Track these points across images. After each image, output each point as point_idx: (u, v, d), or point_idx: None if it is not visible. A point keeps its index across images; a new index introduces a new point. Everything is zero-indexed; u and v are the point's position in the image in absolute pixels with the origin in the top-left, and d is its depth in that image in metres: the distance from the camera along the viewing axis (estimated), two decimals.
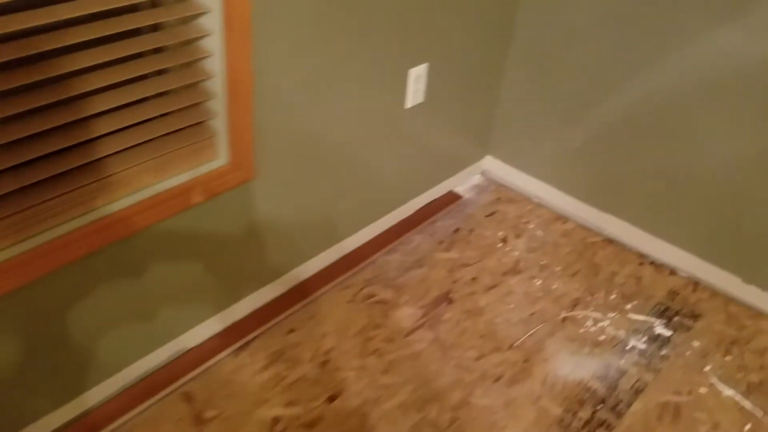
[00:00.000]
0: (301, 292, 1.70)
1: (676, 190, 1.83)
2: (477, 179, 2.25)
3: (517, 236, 2.00)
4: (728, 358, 1.65)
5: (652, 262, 1.94)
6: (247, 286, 1.58)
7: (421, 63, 1.68)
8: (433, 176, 2.04)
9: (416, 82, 1.70)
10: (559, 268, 1.89)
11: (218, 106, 1.28)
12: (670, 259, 1.92)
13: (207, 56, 1.22)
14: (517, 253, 1.93)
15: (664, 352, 1.65)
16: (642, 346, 1.66)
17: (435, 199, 2.10)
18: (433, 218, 2.03)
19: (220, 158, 1.33)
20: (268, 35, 1.26)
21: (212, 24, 1.19)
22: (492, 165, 2.24)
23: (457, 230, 2.00)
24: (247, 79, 1.26)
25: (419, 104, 1.76)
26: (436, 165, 2.02)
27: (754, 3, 1.52)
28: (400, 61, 1.62)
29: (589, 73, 1.86)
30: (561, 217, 2.09)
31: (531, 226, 2.05)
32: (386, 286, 1.77)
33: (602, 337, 1.68)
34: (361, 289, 1.75)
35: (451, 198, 2.13)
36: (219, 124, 1.30)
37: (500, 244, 1.96)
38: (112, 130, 1.13)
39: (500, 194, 2.18)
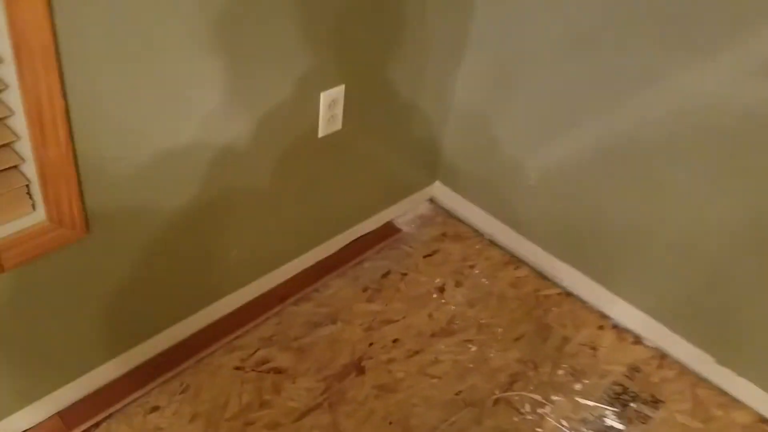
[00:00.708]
0: (176, 356, 1.40)
1: (646, 247, 1.51)
2: (423, 208, 1.93)
3: (458, 284, 1.69)
4: None
5: (614, 326, 1.64)
6: (100, 355, 1.29)
7: (335, 85, 1.36)
8: (365, 207, 1.73)
9: (331, 107, 1.37)
10: (501, 330, 1.59)
11: (25, 150, 0.97)
12: (634, 325, 1.62)
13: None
14: (453, 308, 1.63)
15: None
16: None
17: (367, 233, 1.79)
18: (361, 257, 1.73)
19: (33, 214, 1.03)
20: (95, 54, 0.94)
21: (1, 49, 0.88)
22: (441, 193, 1.92)
23: (387, 274, 1.70)
24: (58, 114, 0.95)
25: (336, 132, 1.44)
26: (369, 195, 1.71)
27: (744, 41, 1.18)
28: (304, 85, 1.29)
29: (551, 102, 1.53)
30: (513, 261, 1.78)
31: (476, 271, 1.74)
32: (286, 349, 1.47)
33: (539, 430, 1.38)
34: (255, 351, 1.46)
35: (388, 231, 1.82)
36: (29, 171, 1.00)
37: (435, 295, 1.66)
38: None
39: (447, 228, 1.87)
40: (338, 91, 1.37)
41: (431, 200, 1.95)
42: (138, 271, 1.23)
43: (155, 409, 1.31)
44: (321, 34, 1.25)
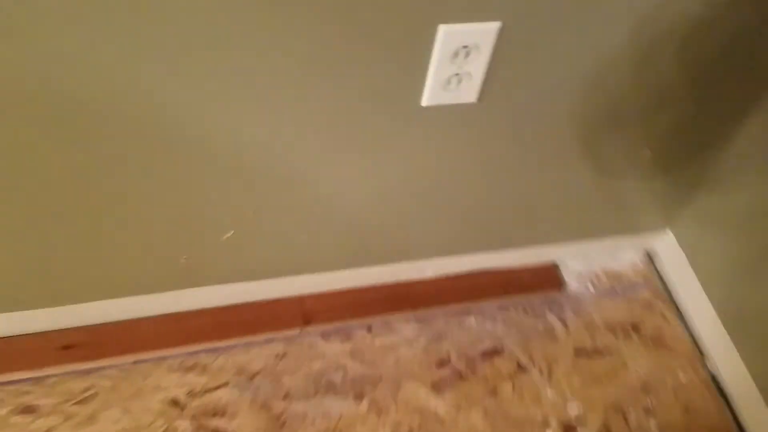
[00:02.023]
0: (109, 344, 0.91)
1: None
2: (626, 263, 1.12)
3: None
4: None
5: None
6: None
7: (477, 18, 0.61)
8: (512, 229, 1.00)
9: (457, 58, 0.64)
10: None
11: None
12: None
13: None
14: None
15: None
16: None
17: (505, 269, 1.06)
18: (470, 304, 1.03)
19: None
20: None
21: None
22: (669, 253, 1.08)
23: (493, 353, 0.99)
24: None
25: (464, 106, 0.71)
26: (520, 213, 0.96)
27: None
28: (404, 5, 0.58)
29: None
30: None
31: (652, 422, 0.95)
32: (261, 407, 0.90)
33: None
34: (218, 386, 0.91)
35: (542, 278, 1.07)
36: None
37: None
38: None
39: (647, 317, 1.05)
40: (483, 31, 0.63)
41: (647, 256, 1.13)
42: None
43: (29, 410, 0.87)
44: None
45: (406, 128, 0.73)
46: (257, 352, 0.95)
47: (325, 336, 0.98)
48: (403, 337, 0.99)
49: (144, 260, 0.85)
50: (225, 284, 0.93)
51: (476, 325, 1.01)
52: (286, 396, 0.91)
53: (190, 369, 0.92)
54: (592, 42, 0.68)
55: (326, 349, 0.96)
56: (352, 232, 0.90)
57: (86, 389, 0.89)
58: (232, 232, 0.83)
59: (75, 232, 0.77)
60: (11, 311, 0.88)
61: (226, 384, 0.92)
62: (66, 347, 0.90)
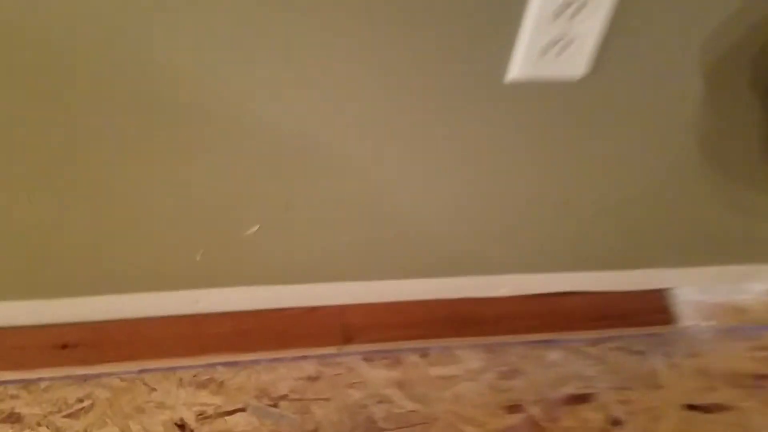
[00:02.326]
0: (121, 347, 0.77)
1: None
2: (754, 296, 0.89)
3: None
4: None
5: None
6: None
7: None
8: (611, 249, 0.79)
9: (561, 16, 0.45)
10: None
11: None
12: None
13: None
14: None
15: None
16: None
17: (593, 293, 0.85)
18: (556, 334, 0.83)
19: None
20: None
21: None
22: None
23: (580, 400, 0.79)
24: None
25: (566, 82, 0.51)
26: (622, 232, 0.75)
27: None
28: None
29: None
30: None
31: None
32: None
33: None
34: (232, 411, 0.75)
35: (652, 310, 0.85)
36: None
37: None
38: None
39: None
40: None
41: None
42: None
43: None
44: None
45: (481, 110, 0.54)
46: (285, 372, 0.78)
47: (369, 358, 0.80)
48: (465, 368, 0.80)
49: (158, 251, 0.70)
50: (251, 286, 0.76)
51: (560, 362, 0.81)
52: (315, 431, 0.74)
53: (203, 385, 0.77)
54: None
55: (369, 375, 0.78)
56: (409, 233, 0.71)
57: (81, 399, 0.74)
58: (258, 226, 0.67)
59: (80, 214, 0.63)
60: (3, 300, 0.74)
61: (243, 408, 0.75)
62: (63, 346, 0.75)
